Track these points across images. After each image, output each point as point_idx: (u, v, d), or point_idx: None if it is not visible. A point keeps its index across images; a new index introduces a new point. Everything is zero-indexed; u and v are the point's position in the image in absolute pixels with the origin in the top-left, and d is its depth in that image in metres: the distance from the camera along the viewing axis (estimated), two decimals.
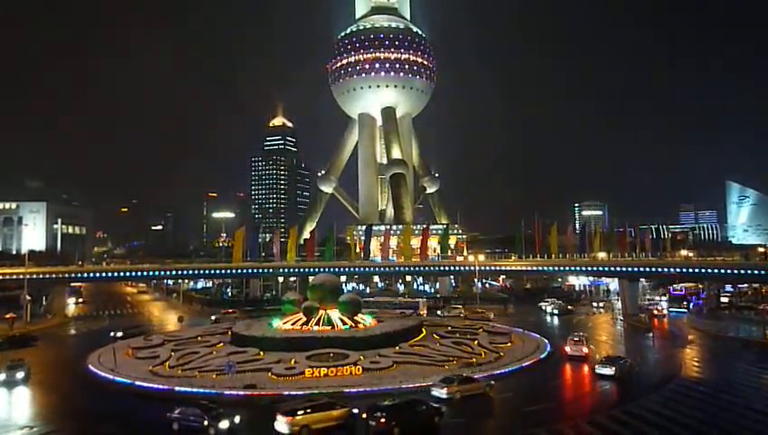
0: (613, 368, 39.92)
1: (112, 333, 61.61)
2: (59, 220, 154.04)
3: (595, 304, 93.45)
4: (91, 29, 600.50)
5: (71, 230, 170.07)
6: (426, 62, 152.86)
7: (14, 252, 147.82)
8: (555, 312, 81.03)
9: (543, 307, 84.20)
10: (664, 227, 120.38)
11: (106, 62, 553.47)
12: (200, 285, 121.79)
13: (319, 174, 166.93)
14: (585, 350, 47.62)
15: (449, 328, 58.86)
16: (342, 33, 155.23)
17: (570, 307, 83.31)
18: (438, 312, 79.35)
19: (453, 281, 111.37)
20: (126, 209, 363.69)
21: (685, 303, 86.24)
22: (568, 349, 47.80)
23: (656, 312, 75.79)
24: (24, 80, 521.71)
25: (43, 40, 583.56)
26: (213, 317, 76.36)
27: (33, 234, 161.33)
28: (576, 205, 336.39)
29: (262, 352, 45.14)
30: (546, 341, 53.19)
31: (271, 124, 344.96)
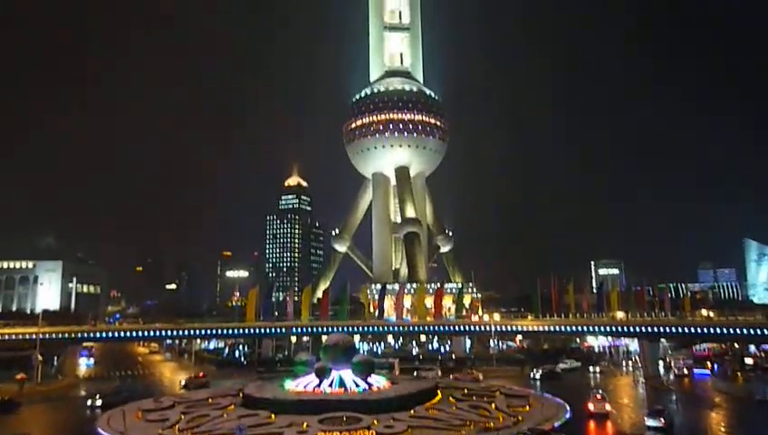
0: (661, 419, 38.39)
1: (90, 401, 57.01)
2: (74, 279, 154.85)
3: (615, 365, 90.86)
4: (107, 91, 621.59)
5: (85, 289, 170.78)
6: (438, 123, 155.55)
7: (29, 311, 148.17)
8: (538, 377, 75.17)
9: (531, 374, 77.80)
10: (682, 285, 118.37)
11: (120, 121, 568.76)
12: (212, 345, 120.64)
13: (333, 233, 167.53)
14: (608, 407, 45.96)
15: (465, 391, 57.24)
16: (357, 96, 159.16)
17: (558, 371, 78.96)
18: (414, 373, 75.17)
19: (468, 341, 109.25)
20: (141, 268, 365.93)
21: (708, 363, 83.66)
22: (591, 406, 46.12)
23: (677, 372, 73.42)
24: (40, 141, 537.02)
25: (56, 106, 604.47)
26: (181, 382, 72.77)
27: (49, 293, 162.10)
28: (592, 262, 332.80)
29: (273, 415, 43.99)
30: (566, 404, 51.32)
31: (286, 184, 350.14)
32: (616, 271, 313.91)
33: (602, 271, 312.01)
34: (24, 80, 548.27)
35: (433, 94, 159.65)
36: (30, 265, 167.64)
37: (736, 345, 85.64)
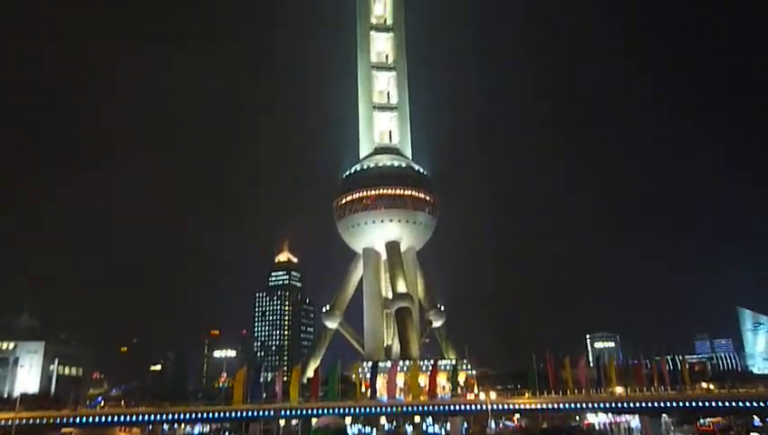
0: None
1: None
2: (56, 361, 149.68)
3: None
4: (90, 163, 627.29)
5: (67, 371, 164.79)
6: (428, 198, 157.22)
7: (6, 395, 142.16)
8: None
9: None
10: (680, 357, 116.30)
11: (104, 195, 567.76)
12: (197, 430, 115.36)
13: (323, 309, 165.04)
14: None
15: None
16: (348, 172, 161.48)
17: None
18: None
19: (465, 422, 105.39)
20: (126, 349, 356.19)
21: None
22: None
23: None
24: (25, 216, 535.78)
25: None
26: None
27: (29, 375, 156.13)
28: (587, 336, 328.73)
29: None
30: None
31: (276, 260, 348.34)
32: (612, 344, 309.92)
33: (598, 344, 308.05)
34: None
35: (422, 170, 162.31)
36: (10, 346, 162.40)
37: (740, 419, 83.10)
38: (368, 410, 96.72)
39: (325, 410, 75.85)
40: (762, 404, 68.93)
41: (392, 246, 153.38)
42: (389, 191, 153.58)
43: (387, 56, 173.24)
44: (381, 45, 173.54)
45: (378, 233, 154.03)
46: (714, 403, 74.47)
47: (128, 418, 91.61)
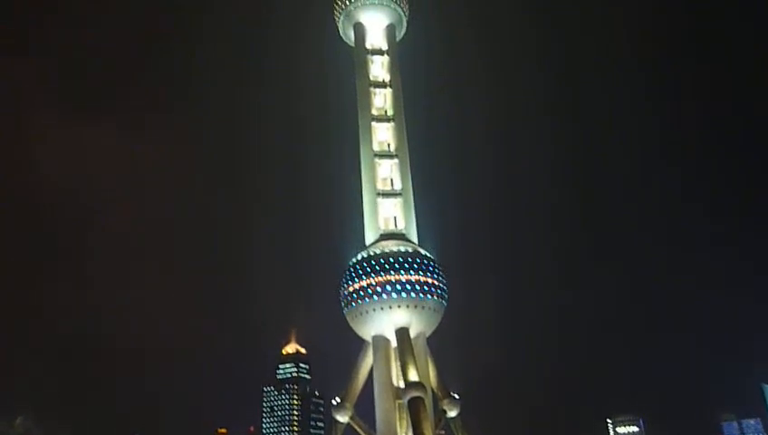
0: None
1: None
2: None
3: None
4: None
5: None
6: (436, 282, 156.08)
7: None
8: None
9: None
10: None
11: (99, 293, 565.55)
12: None
13: (333, 402, 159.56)
14: None
15: None
16: (353, 260, 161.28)
17: None
18: None
19: None
20: None
21: None
22: None
23: None
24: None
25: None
26: None
27: None
28: (609, 421, 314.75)
29: None
30: None
31: (284, 351, 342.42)
32: (635, 428, 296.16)
33: (621, 429, 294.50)
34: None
35: (428, 254, 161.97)
36: None
37: None
38: None
39: None
40: None
41: (402, 333, 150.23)
42: (397, 277, 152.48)
43: (389, 145, 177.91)
44: (383, 135, 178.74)
45: (386, 320, 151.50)
46: None
47: None
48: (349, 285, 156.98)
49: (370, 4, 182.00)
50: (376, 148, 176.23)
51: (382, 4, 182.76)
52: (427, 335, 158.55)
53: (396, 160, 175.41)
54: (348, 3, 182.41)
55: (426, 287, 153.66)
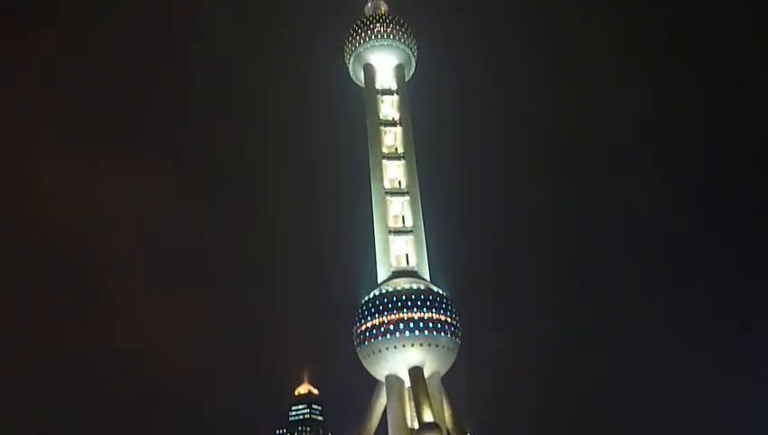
0: None
1: None
2: None
3: None
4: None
5: None
6: (449, 320, 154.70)
7: None
8: None
9: None
10: None
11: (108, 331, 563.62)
12: None
13: None
14: None
15: None
16: (365, 298, 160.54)
17: None
18: None
19: None
20: None
21: None
22: None
23: None
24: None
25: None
26: None
27: None
28: None
29: None
30: None
31: (296, 392, 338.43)
32: None
33: None
34: None
35: (441, 291, 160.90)
36: None
37: None
38: None
39: None
40: None
41: (415, 373, 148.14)
42: (410, 315, 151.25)
43: (400, 182, 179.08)
44: (394, 172, 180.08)
45: (400, 359, 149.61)
46: None
47: None
48: (361, 324, 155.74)
49: (380, 46, 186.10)
50: (387, 185, 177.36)
51: (391, 46, 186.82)
52: (442, 374, 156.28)
53: (407, 198, 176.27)
54: (358, 45, 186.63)
55: (439, 325, 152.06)
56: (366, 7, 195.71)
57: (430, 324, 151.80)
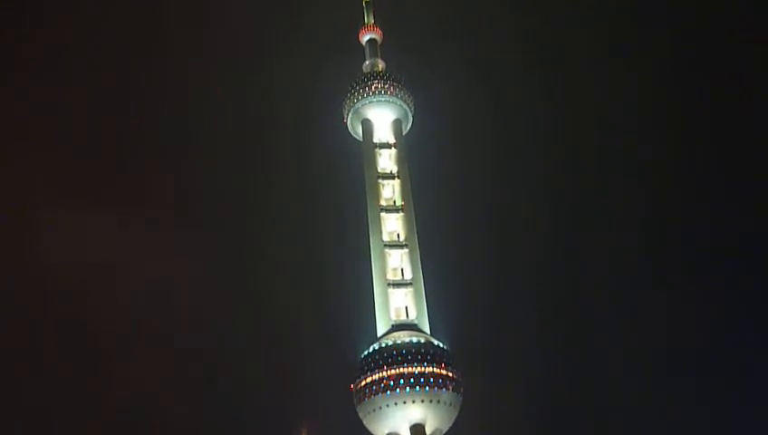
0: None
1: None
2: None
3: None
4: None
5: None
6: (450, 374, 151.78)
7: None
8: None
9: None
10: None
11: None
12: None
13: None
14: None
15: None
16: (365, 353, 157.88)
17: None
18: None
19: None
20: None
21: None
22: None
23: None
24: None
25: None
26: None
27: None
28: None
29: None
30: None
31: None
32: None
33: None
34: None
35: (442, 345, 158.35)
36: None
37: None
38: None
39: None
40: None
41: (417, 430, 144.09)
42: (410, 369, 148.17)
43: (398, 234, 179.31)
44: (392, 225, 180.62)
45: (400, 415, 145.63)
46: None
47: None
48: (361, 380, 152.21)
49: (377, 101, 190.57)
50: (386, 238, 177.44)
51: (388, 102, 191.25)
52: (444, 432, 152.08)
53: (406, 250, 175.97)
54: (356, 101, 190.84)
55: (441, 380, 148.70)
56: (364, 65, 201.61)
57: (431, 379, 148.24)
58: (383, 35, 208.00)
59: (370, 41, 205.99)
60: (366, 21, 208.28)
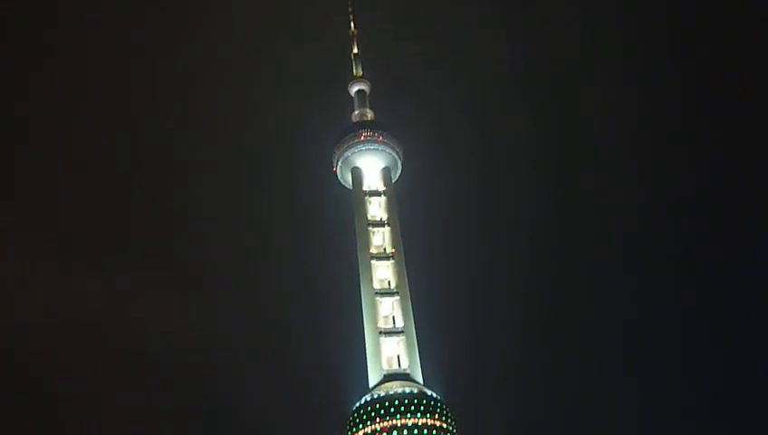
0: None
1: None
2: None
3: None
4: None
5: None
6: (444, 425, 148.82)
7: None
8: None
9: None
10: None
11: None
12: None
13: None
14: None
15: None
16: (357, 404, 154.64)
17: None
18: None
19: None
20: None
21: None
22: None
23: None
24: None
25: None
26: None
27: None
28: None
29: None
30: None
31: None
32: None
33: None
34: None
35: (435, 395, 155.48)
36: None
37: None
38: None
39: None
40: None
41: None
42: (403, 421, 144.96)
43: (389, 282, 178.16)
44: (383, 272, 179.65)
45: None
46: None
47: None
48: (353, 433, 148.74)
49: (366, 150, 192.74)
50: (376, 286, 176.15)
51: (377, 150, 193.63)
52: None
53: (397, 297, 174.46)
54: (345, 150, 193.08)
55: (434, 431, 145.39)
56: (353, 114, 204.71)
57: (425, 431, 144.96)
58: (371, 85, 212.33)
59: (359, 92, 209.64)
60: (354, 73, 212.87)
